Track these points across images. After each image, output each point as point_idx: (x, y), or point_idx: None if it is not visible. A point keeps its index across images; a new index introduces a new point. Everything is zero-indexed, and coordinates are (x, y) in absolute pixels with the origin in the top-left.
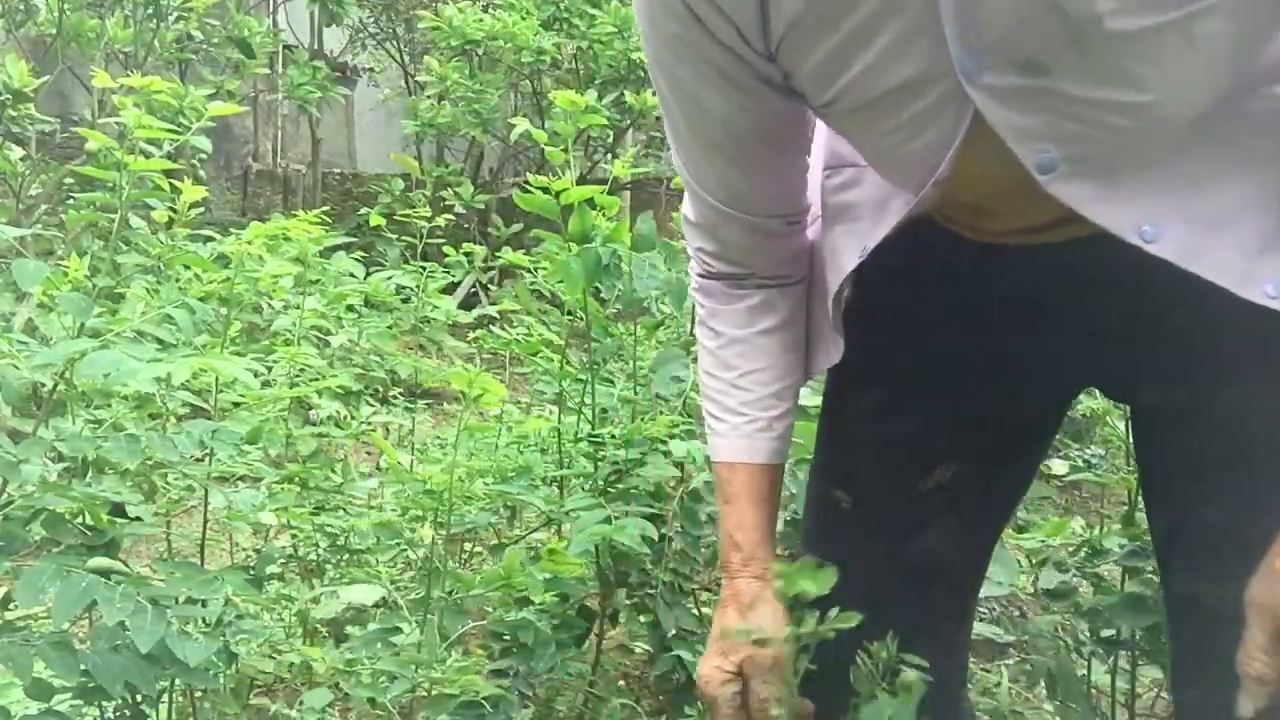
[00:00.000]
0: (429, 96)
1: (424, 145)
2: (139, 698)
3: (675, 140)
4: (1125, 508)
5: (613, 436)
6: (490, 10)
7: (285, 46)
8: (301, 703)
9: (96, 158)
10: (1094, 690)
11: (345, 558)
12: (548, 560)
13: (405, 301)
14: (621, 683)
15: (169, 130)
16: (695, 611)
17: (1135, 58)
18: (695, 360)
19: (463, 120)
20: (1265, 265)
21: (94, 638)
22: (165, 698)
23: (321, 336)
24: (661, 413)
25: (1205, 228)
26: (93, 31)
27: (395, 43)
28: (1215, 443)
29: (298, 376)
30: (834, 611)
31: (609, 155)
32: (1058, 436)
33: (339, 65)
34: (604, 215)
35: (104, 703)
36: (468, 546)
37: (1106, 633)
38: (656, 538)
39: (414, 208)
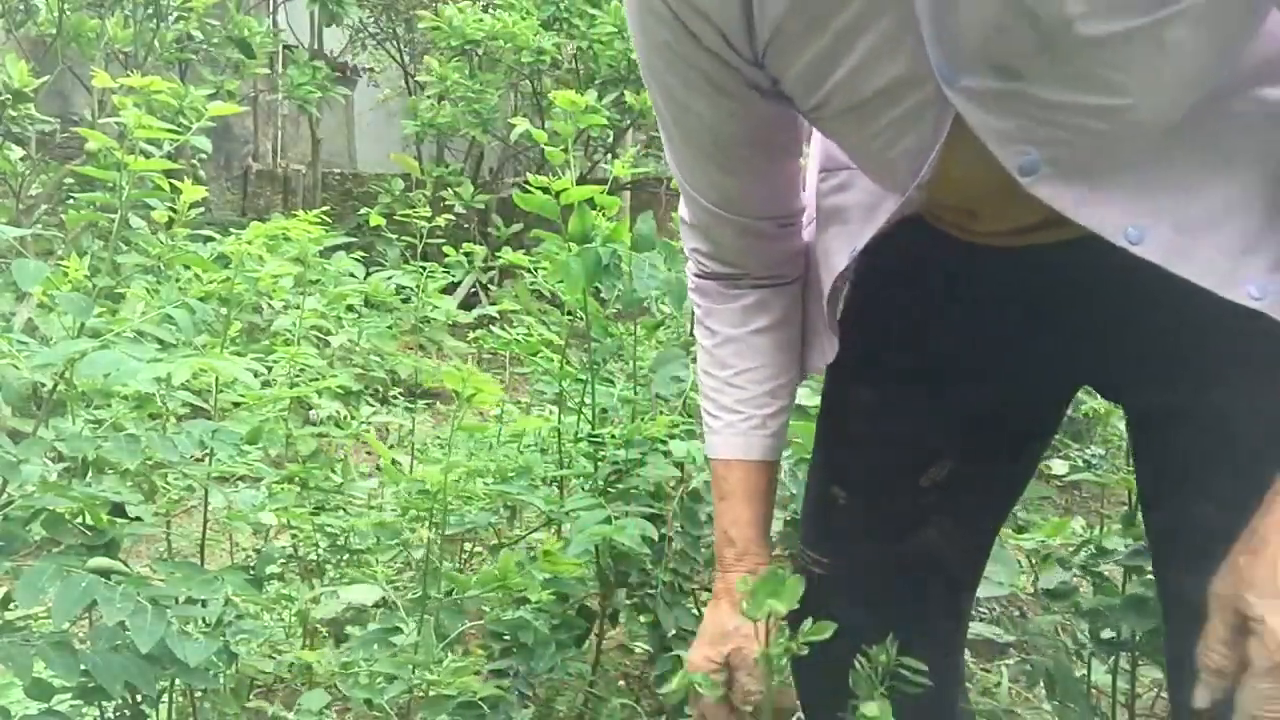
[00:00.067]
0: (429, 96)
1: (424, 145)
2: (139, 698)
3: (668, 144)
4: (1125, 508)
5: (613, 436)
6: (490, 10)
7: (285, 46)
8: (299, 706)
9: (96, 158)
10: (1094, 690)
11: (345, 558)
12: (545, 561)
13: (405, 301)
14: (621, 683)
15: (169, 130)
16: (695, 611)
17: (1107, 63)
18: (695, 360)
19: (463, 120)
20: (1248, 266)
21: (94, 638)
22: (165, 698)
23: (321, 336)
24: (661, 413)
25: (1189, 229)
26: (93, 31)
27: (395, 43)
28: (1205, 443)
29: (298, 376)
30: (807, 623)
31: (609, 155)
32: (1057, 436)
33: (339, 65)
34: (604, 215)
35: (104, 703)
36: (468, 547)
37: (1107, 633)
38: (656, 538)
39: (414, 208)
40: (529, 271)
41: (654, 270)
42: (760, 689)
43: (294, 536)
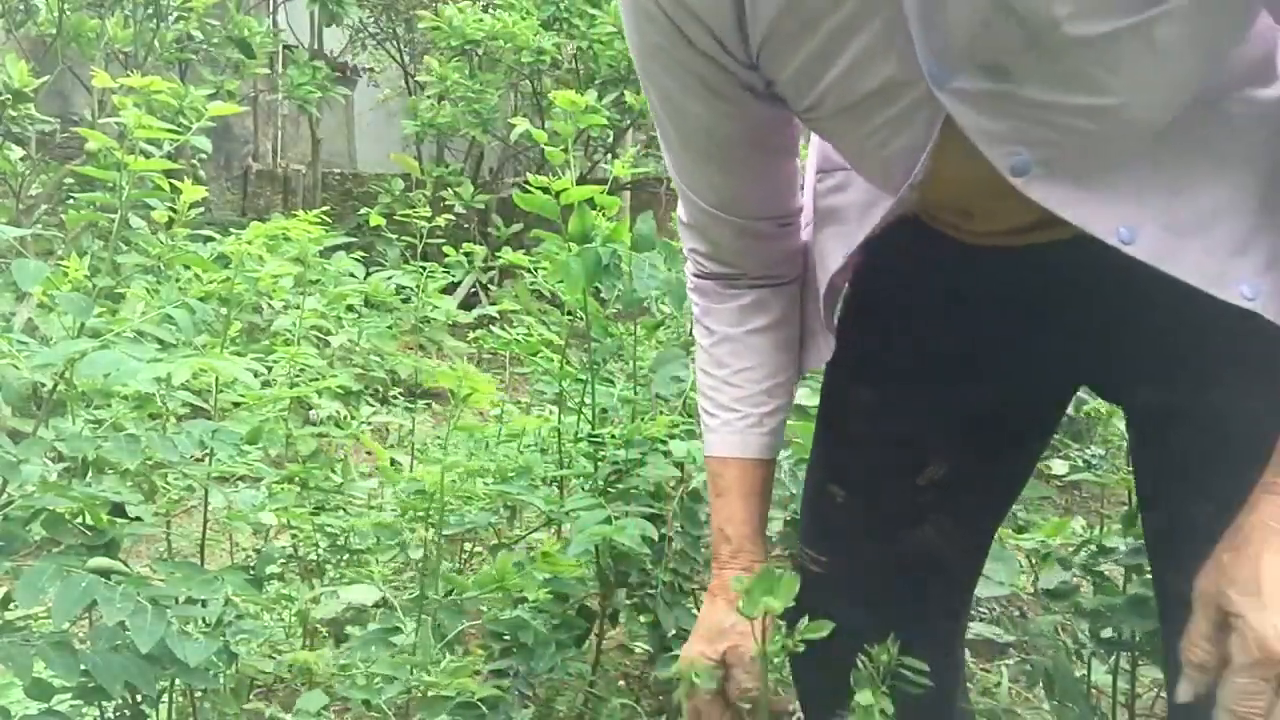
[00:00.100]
0: (429, 96)
1: (424, 145)
2: (139, 698)
3: (665, 146)
4: (1125, 508)
5: (613, 436)
6: (490, 10)
7: (285, 46)
8: (297, 707)
9: (96, 158)
10: (1094, 690)
11: (345, 558)
12: (543, 563)
13: (405, 301)
14: (621, 683)
15: (169, 130)
16: (695, 611)
17: (1095, 63)
18: (695, 359)
19: (463, 120)
20: (1241, 266)
21: (94, 638)
22: (165, 698)
23: (321, 336)
24: (661, 413)
25: (1182, 229)
26: (93, 31)
27: (395, 43)
28: (1202, 443)
29: (298, 376)
30: (803, 622)
31: (609, 155)
32: (1057, 436)
33: (339, 65)
34: (604, 215)
35: (104, 703)
36: (468, 547)
37: (1107, 633)
38: (656, 538)
39: (414, 208)
40: (529, 271)
41: (654, 270)
42: (756, 686)
43: (294, 536)
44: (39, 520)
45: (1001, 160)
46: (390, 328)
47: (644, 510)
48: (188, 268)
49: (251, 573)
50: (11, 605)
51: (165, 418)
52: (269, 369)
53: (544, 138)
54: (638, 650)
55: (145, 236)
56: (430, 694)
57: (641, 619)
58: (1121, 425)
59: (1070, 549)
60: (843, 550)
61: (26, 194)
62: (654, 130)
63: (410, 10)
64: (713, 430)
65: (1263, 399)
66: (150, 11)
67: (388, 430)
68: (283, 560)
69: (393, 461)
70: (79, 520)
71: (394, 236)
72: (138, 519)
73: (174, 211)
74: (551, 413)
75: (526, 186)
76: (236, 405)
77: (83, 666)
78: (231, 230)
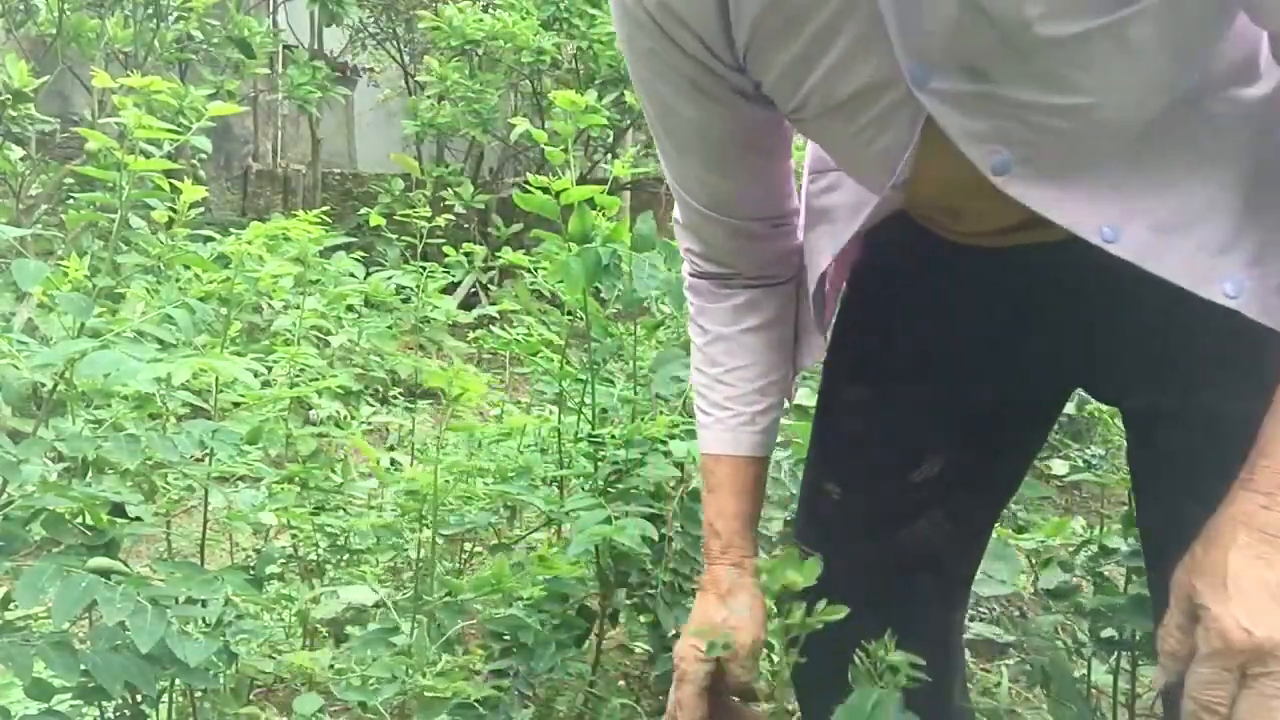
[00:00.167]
0: (429, 96)
1: (424, 145)
2: (139, 698)
3: (659, 148)
4: (1125, 508)
5: (613, 436)
6: (490, 10)
7: (285, 46)
8: (294, 710)
9: (96, 158)
10: (1094, 690)
11: (345, 558)
12: (538, 565)
13: (405, 301)
14: (621, 683)
15: (169, 130)
16: None
17: (1067, 63)
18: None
19: (463, 120)
20: (1224, 265)
21: (94, 638)
22: (165, 698)
23: (321, 336)
24: (661, 413)
25: (1165, 228)
26: (93, 31)
27: (395, 43)
28: (1188, 442)
29: (298, 376)
30: (822, 604)
31: (609, 155)
32: (1058, 436)
33: (339, 65)
34: (604, 215)
35: (104, 703)
36: (468, 547)
37: (1107, 633)
38: (656, 538)
39: (414, 208)
40: (529, 271)
41: (654, 270)
42: (750, 679)
43: (294, 536)
44: (39, 520)
45: (982, 160)
46: (390, 328)
47: (644, 510)
48: (188, 268)
49: (251, 573)
50: (11, 605)
51: (165, 418)
52: (269, 369)
53: (544, 138)
54: (638, 650)
55: (145, 236)
56: (428, 695)
57: (641, 619)
58: (1121, 425)
59: (1070, 550)
60: (839, 547)
61: (26, 194)
62: None
63: (410, 10)
64: (706, 427)
65: (1247, 398)
66: (150, 11)
67: (388, 430)
68: (283, 560)
69: (393, 462)
70: (79, 520)
71: (394, 236)
72: (138, 519)
73: (174, 211)
74: (551, 413)
75: (526, 186)
76: (236, 405)
77: (83, 666)
78: (231, 230)
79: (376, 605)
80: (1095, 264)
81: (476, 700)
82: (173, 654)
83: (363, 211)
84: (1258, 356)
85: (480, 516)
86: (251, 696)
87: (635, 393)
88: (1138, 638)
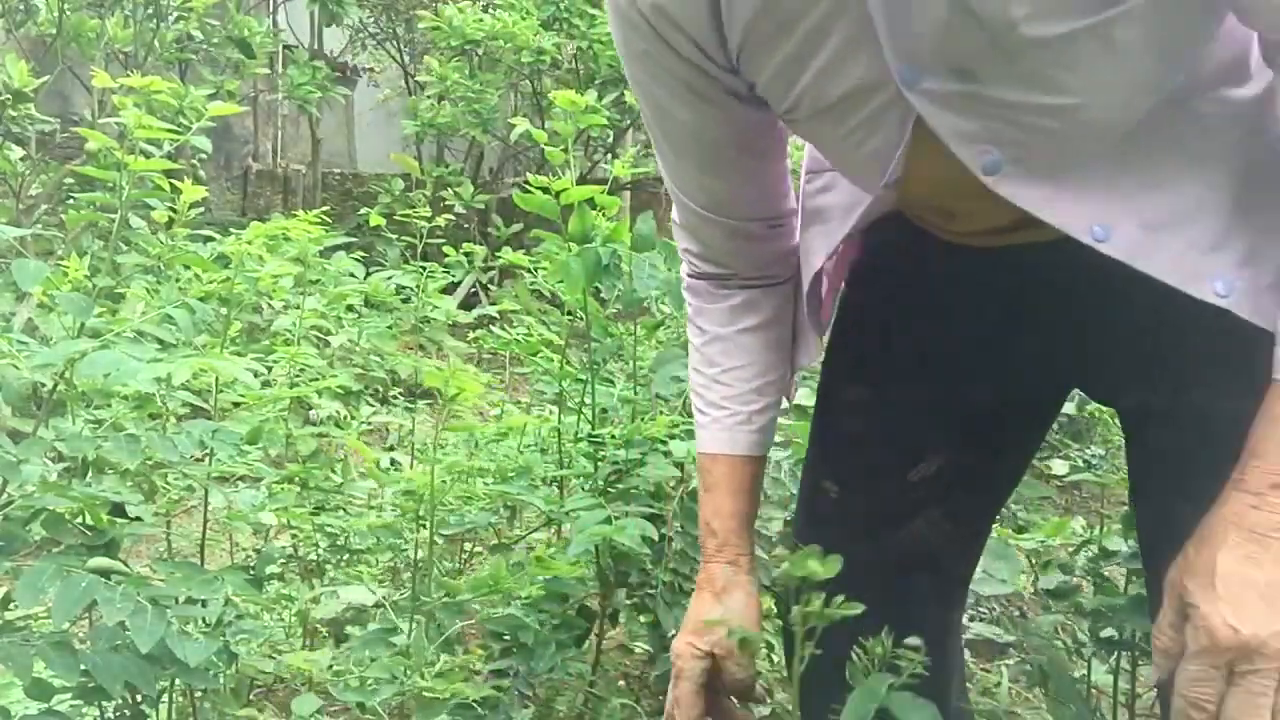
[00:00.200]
0: (429, 96)
1: (424, 145)
2: (139, 698)
3: (656, 149)
4: (1125, 508)
5: (613, 436)
6: (490, 10)
7: (285, 46)
8: (292, 711)
9: (96, 158)
10: (1094, 690)
11: (345, 558)
12: (537, 565)
13: (405, 301)
14: (621, 683)
15: (169, 130)
16: None
17: (1054, 63)
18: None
19: (463, 120)
20: (1214, 264)
21: (94, 638)
22: (165, 698)
23: (321, 336)
24: (661, 413)
25: (1155, 227)
26: (93, 31)
27: (395, 43)
28: (1180, 441)
29: (298, 376)
30: (839, 599)
31: (609, 155)
32: (1058, 436)
33: (339, 65)
34: (604, 215)
35: (104, 703)
36: (467, 547)
37: (1107, 633)
38: (656, 538)
39: (414, 208)
40: (529, 271)
41: (654, 270)
42: (748, 676)
43: (294, 536)
44: (39, 520)
45: (973, 159)
46: (390, 328)
47: (644, 510)
48: (188, 268)
49: (251, 573)
50: (11, 605)
51: (165, 418)
52: (269, 369)
53: (544, 138)
54: (638, 650)
55: (145, 236)
56: (427, 695)
57: (641, 619)
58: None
59: (1070, 550)
60: (837, 546)
61: (26, 194)
62: None
63: (410, 10)
64: (703, 427)
65: (1238, 397)
66: (150, 11)
67: (388, 430)
68: (283, 560)
69: (393, 462)
70: (79, 520)
71: (394, 236)
72: (138, 519)
73: (174, 211)
74: (551, 413)
75: (526, 186)
76: (236, 405)
77: (83, 666)
78: (231, 230)
79: (376, 605)
80: (1087, 264)
81: (476, 700)
82: (173, 654)
83: (363, 211)
84: (1248, 356)
85: (480, 516)
86: (251, 696)
87: (635, 393)
88: (1138, 638)
